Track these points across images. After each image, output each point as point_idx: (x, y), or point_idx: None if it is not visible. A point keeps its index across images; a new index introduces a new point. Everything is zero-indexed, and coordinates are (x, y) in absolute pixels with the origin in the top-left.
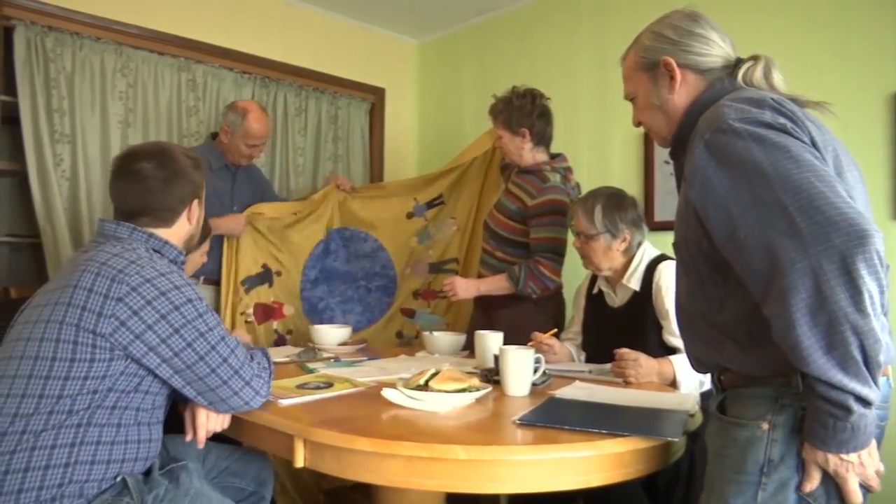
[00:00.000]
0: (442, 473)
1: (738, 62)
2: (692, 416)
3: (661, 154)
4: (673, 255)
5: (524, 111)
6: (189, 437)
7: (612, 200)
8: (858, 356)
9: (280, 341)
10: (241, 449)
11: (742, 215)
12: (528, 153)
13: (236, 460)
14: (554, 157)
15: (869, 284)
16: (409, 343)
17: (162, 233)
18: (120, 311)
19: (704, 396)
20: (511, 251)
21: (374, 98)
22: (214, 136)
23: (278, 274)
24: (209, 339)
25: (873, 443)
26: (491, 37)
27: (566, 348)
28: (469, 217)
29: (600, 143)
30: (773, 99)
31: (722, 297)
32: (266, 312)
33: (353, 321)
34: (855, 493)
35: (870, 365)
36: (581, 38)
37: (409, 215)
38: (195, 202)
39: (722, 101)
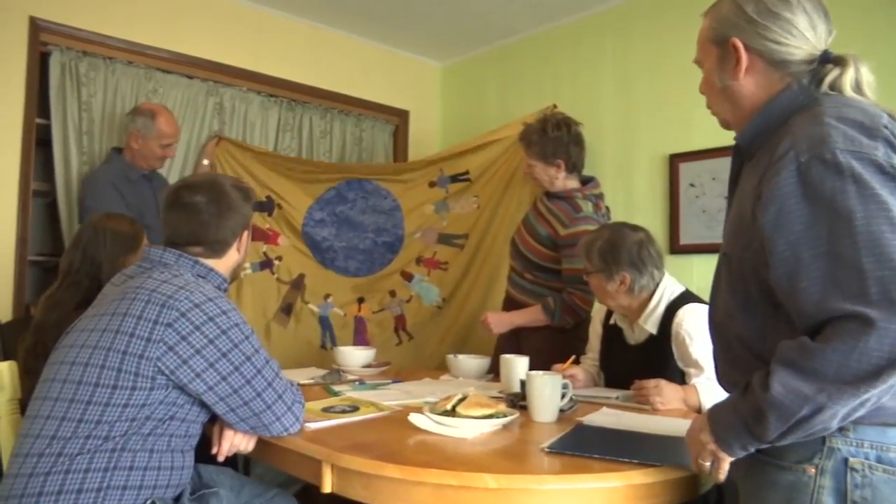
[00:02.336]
0: (471, 502)
1: (825, 59)
2: None
3: (687, 177)
4: (695, 295)
5: (560, 142)
6: (214, 450)
7: (609, 243)
8: (808, 413)
9: (266, 264)
10: (274, 490)
11: (811, 262)
12: (561, 181)
13: (268, 500)
14: (585, 182)
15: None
16: (398, 305)
17: (211, 262)
18: (169, 337)
19: None
20: (542, 275)
21: (398, 120)
22: (119, 150)
23: (279, 206)
24: (255, 363)
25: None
26: (514, 59)
27: (589, 373)
28: (492, 199)
29: (625, 166)
30: (885, 126)
31: (767, 326)
32: (255, 234)
33: (352, 267)
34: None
35: (794, 427)
36: (605, 61)
37: (432, 184)
38: (245, 234)
39: (827, 118)
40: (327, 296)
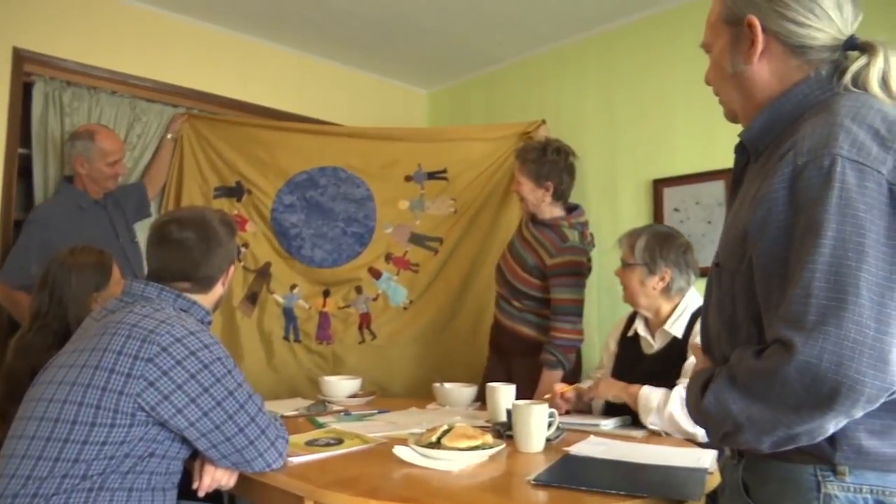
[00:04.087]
0: None
1: (850, 45)
2: (711, 474)
3: (671, 202)
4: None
5: (555, 167)
6: (195, 485)
7: (659, 237)
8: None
9: None
10: None
11: (777, 281)
12: (547, 207)
13: None
14: (570, 210)
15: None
16: (364, 303)
17: (195, 296)
18: (149, 372)
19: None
20: (529, 303)
21: None
22: (69, 179)
23: (248, 192)
24: (238, 398)
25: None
26: (499, 86)
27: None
28: (472, 207)
29: (610, 191)
30: None
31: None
32: None
33: (318, 257)
34: None
35: (724, 439)
36: (589, 87)
37: (408, 178)
38: (231, 268)
39: (841, 118)
40: (293, 286)
